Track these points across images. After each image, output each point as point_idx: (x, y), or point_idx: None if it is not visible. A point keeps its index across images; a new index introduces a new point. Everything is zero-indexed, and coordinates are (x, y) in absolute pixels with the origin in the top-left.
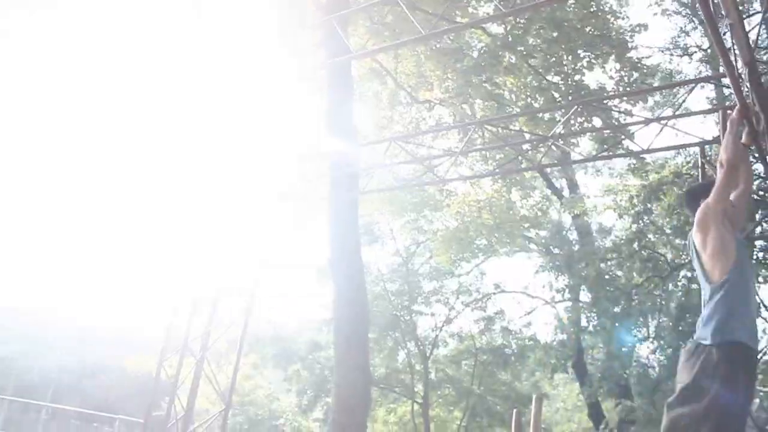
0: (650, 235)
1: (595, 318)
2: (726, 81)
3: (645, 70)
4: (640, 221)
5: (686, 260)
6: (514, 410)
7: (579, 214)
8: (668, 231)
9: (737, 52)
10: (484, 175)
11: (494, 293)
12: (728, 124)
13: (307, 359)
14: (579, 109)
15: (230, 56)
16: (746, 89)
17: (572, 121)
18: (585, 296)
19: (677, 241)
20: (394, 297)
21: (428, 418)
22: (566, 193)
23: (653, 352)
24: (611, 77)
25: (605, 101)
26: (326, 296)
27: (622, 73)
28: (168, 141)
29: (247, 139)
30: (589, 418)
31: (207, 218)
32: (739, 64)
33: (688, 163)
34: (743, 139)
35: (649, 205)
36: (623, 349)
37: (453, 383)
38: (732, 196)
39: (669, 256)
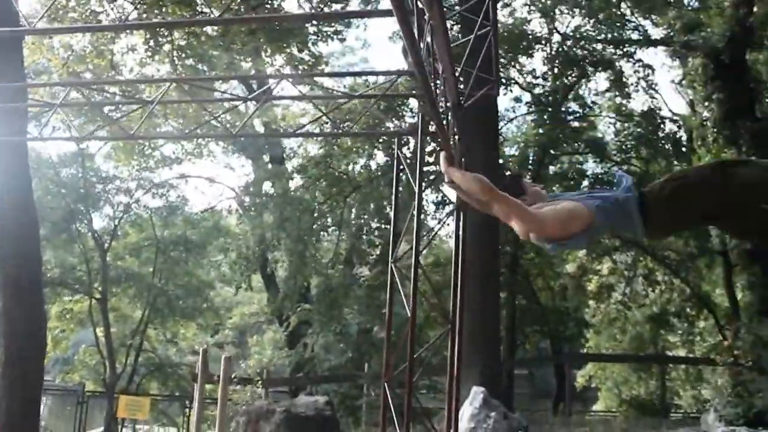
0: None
1: (283, 234)
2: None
3: None
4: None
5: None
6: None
7: (269, 121)
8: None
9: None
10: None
11: (177, 178)
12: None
13: None
14: None
15: None
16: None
17: None
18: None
19: (361, 161)
20: (68, 186)
21: (107, 314)
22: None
23: (333, 266)
24: None
25: None
26: None
27: None
28: None
29: None
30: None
31: None
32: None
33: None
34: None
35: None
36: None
37: (133, 277)
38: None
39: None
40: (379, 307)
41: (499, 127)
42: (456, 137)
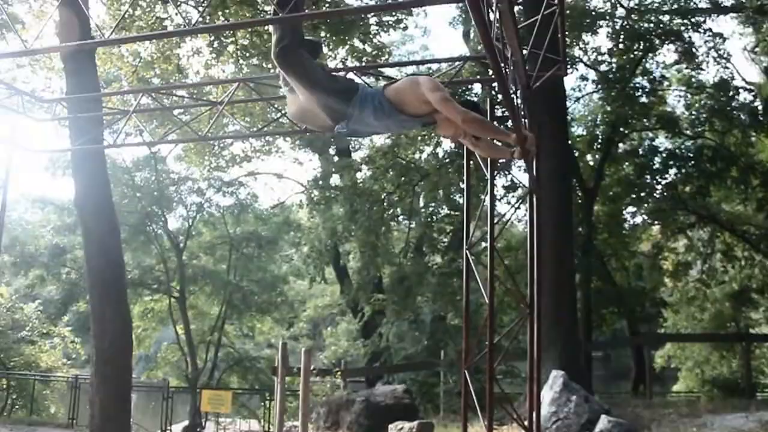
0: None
1: (353, 226)
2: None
3: None
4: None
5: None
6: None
7: None
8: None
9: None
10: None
11: (246, 176)
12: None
13: (50, 265)
14: None
15: None
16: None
17: None
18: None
19: (428, 149)
20: (143, 189)
21: (186, 312)
22: None
23: (405, 255)
24: None
25: None
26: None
27: None
28: None
29: None
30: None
31: None
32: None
33: None
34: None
35: None
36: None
37: (209, 275)
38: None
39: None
40: (453, 294)
41: (567, 107)
42: (525, 120)
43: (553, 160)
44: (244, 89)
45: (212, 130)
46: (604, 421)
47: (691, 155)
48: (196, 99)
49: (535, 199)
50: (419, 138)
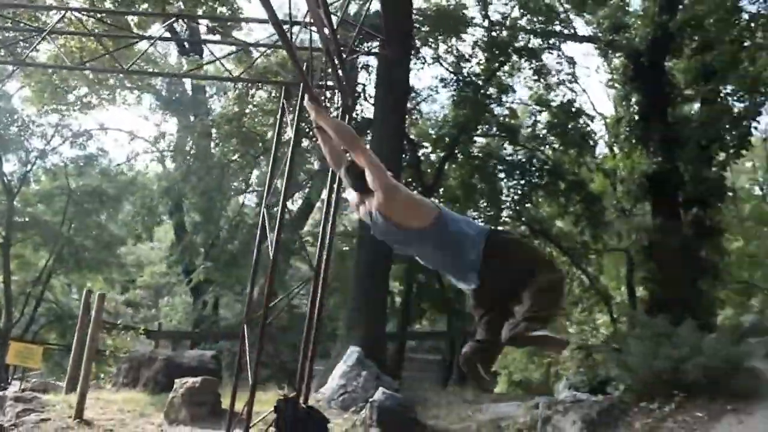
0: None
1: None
2: None
3: None
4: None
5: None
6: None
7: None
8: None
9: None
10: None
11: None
12: (316, 114)
13: None
14: None
15: None
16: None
17: None
18: None
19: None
20: None
21: (8, 258)
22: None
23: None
24: None
25: None
26: None
27: None
28: None
29: None
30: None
31: None
32: None
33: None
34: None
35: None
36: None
37: (40, 225)
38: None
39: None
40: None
41: (419, 102)
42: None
43: (385, 149)
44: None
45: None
46: (379, 392)
47: (522, 164)
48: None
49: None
50: (266, 110)
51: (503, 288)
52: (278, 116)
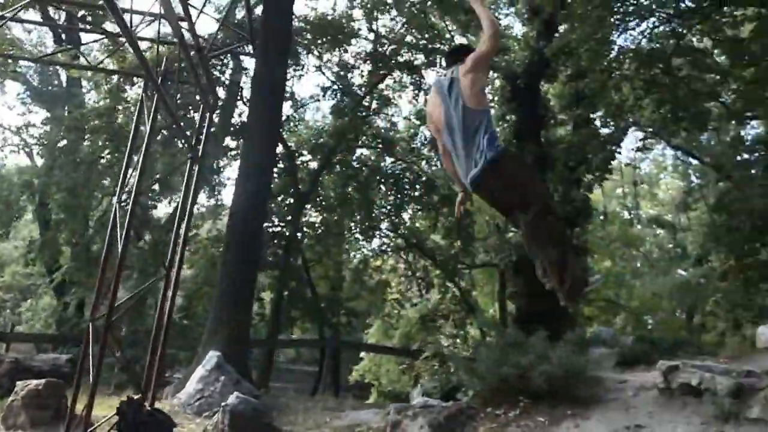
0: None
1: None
2: None
3: None
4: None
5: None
6: None
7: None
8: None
9: None
10: None
11: None
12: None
13: None
14: None
15: None
16: None
17: None
18: None
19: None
20: None
21: None
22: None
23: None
24: None
25: None
26: None
27: None
28: None
29: None
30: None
31: None
32: None
33: None
34: None
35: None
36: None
37: None
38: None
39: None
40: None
41: (297, 109)
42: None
43: (257, 155)
44: None
45: None
46: (233, 397)
47: (396, 176)
48: None
49: (196, 167)
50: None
51: (500, 188)
52: (137, 110)
